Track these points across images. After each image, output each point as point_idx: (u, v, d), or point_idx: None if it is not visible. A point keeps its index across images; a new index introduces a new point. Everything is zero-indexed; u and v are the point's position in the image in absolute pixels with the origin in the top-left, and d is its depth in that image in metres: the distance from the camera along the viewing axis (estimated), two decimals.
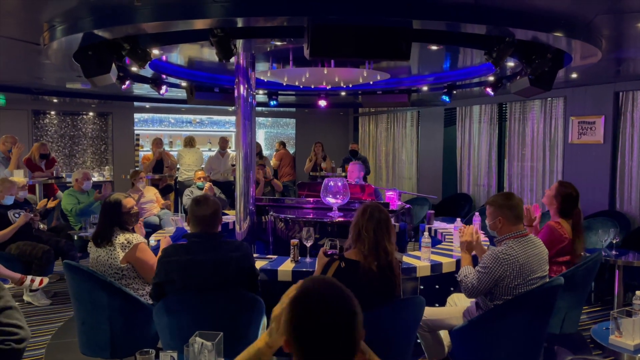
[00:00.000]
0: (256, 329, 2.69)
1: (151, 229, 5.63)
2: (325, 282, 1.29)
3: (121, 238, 3.23)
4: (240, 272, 2.73)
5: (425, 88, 6.59)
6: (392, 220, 4.78)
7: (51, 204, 5.93)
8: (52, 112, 9.65)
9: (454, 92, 6.43)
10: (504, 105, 8.03)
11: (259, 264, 3.54)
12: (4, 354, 1.45)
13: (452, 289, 4.07)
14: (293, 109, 11.33)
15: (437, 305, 3.69)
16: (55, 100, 8.94)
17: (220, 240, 2.79)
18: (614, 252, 4.47)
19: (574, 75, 5.70)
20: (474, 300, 3.08)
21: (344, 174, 8.57)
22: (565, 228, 3.67)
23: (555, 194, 3.76)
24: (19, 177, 5.95)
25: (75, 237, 5.38)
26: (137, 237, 3.28)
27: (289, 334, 1.24)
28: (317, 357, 1.20)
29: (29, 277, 4.65)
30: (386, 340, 2.52)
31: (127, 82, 4.76)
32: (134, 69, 4.92)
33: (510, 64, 4.78)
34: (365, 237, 2.60)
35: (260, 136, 11.63)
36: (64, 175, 7.36)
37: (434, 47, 4.43)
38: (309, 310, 1.22)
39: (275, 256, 3.87)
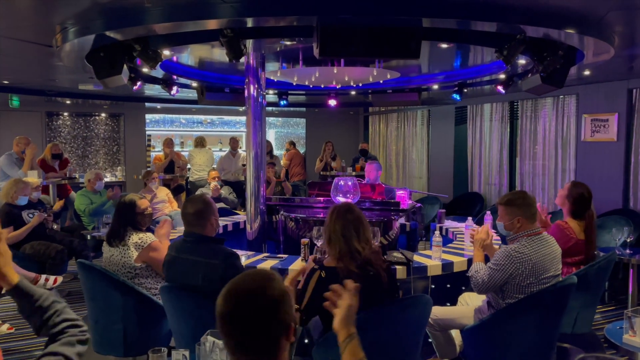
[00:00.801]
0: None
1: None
2: (241, 278, 1.47)
3: (134, 238, 3.27)
4: (209, 281, 2.64)
5: (435, 86, 6.56)
6: (403, 219, 4.80)
7: (60, 204, 6.01)
8: (65, 114, 9.76)
9: (465, 90, 6.39)
10: (515, 103, 7.97)
11: (270, 264, 3.55)
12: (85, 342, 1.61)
13: (463, 288, 4.05)
14: (303, 109, 11.34)
15: (448, 304, 3.68)
16: (68, 102, 9.03)
17: (205, 244, 2.77)
18: (628, 251, 4.42)
19: (587, 72, 5.64)
20: (485, 299, 3.06)
21: (354, 173, 8.57)
22: (573, 228, 3.63)
23: (568, 195, 3.72)
24: (33, 177, 6.02)
25: (88, 237, 5.44)
26: (149, 237, 3.32)
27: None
28: (236, 350, 1.34)
29: (43, 276, 4.71)
30: (391, 340, 2.50)
31: (139, 83, 4.80)
32: (145, 70, 4.96)
33: (522, 61, 4.74)
34: (335, 240, 2.52)
35: (271, 136, 11.66)
36: (77, 176, 7.44)
37: (444, 46, 4.41)
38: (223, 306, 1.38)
39: (286, 255, 3.88)
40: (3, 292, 1.61)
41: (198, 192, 6.54)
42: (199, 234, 2.80)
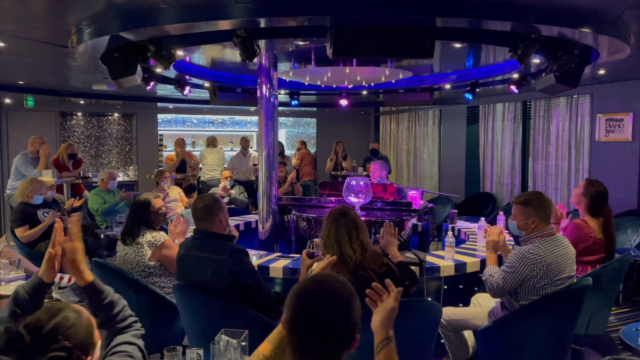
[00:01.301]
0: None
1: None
2: (314, 280, 1.43)
3: (148, 236, 3.30)
4: (218, 277, 2.66)
5: (447, 86, 6.54)
6: (415, 219, 4.78)
7: (77, 203, 6.06)
8: (79, 114, 9.85)
9: (477, 90, 6.36)
10: (528, 103, 7.90)
11: (282, 263, 3.56)
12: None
13: (476, 288, 4.03)
14: (314, 109, 11.35)
15: (461, 305, 3.66)
16: (81, 102, 9.11)
17: (212, 240, 2.79)
18: None
19: (601, 72, 5.59)
20: (499, 300, 3.04)
21: (365, 173, 8.55)
22: (592, 227, 3.59)
23: (584, 192, 3.68)
24: (47, 177, 6.09)
25: (102, 236, 5.49)
26: (163, 235, 3.34)
27: (286, 331, 1.36)
28: (308, 350, 1.33)
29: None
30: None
31: (152, 83, 4.83)
32: (159, 70, 5.00)
33: (536, 60, 4.71)
34: (329, 245, 2.52)
35: (282, 136, 11.68)
36: (90, 175, 7.50)
37: (457, 45, 4.39)
38: (298, 307, 1.35)
39: (298, 255, 3.89)
40: (61, 284, 1.76)
41: (210, 192, 6.58)
42: (207, 231, 2.82)
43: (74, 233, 1.79)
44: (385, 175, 6.22)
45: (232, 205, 6.21)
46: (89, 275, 1.76)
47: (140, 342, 1.71)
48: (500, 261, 3.04)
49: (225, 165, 8.92)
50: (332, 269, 2.42)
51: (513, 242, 4.24)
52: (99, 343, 1.50)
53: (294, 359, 1.34)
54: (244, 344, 2.08)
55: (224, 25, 3.38)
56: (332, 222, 2.55)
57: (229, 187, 6.57)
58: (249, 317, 2.62)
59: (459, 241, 4.47)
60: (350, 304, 1.36)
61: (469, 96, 6.36)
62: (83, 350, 1.41)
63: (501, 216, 4.45)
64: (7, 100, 8.34)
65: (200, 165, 9.00)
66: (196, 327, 2.77)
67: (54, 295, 5.05)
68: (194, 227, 2.89)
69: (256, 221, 5.19)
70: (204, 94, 7.04)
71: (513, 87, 5.55)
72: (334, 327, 1.33)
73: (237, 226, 5.08)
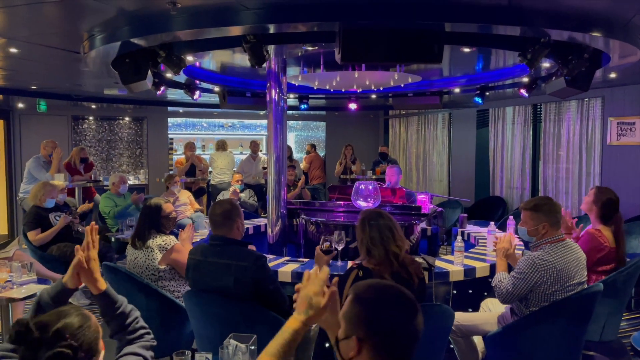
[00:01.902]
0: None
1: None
2: (389, 284, 1.44)
3: (158, 240, 3.32)
4: (241, 284, 2.67)
5: (457, 90, 6.52)
6: (424, 223, 4.77)
7: (88, 206, 6.12)
8: (91, 118, 9.95)
9: (487, 93, 6.33)
10: (538, 106, 7.86)
11: (291, 267, 3.57)
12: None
13: (485, 293, 4.01)
14: (323, 112, 11.36)
15: (470, 310, 3.65)
16: (93, 106, 9.21)
17: (233, 246, 2.80)
18: None
19: (613, 75, 5.55)
20: (508, 305, 3.03)
21: (374, 177, 8.55)
22: (606, 236, 3.55)
23: (595, 200, 3.65)
24: (59, 180, 6.15)
25: (112, 239, 5.53)
26: (172, 239, 3.37)
27: (362, 331, 1.33)
28: (396, 350, 1.32)
29: None
30: None
31: (162, 88, 4.87)
32: (169, 75, 5.04)
33: (546, 64, 4.68)
34: (374, 250, 2.56)
35: (291, 139, 11.70)
36: (101, 179, 7.58)
37: (466, 50, 4.38)
38: (385, 309, 1.35)
39: (307, 259, 3.90)
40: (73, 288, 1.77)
41: (220, 195, 6.61)
42: (226, 237, 2.82)
43: (90, 241, 1.81)
44: (400, 179, 6.21)
45: (242, 209, 6.23)
46: (103, 284, 1.79)
47: (149, 354, 1.71)
48: (509, 269, 3.02)
49: (235, 169, 8.95)
50: (375, 271, 2.49)
51: (523, 248, 4.21)
52: (102, 353, 1.51)
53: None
54: (252, 347, 2.09)
55: (234, 31, 3.41)
56: (372, 225, 2.60)
57: (239, 190, 6.60)
58: (269, 320, 2.65)
59: (468, 246, 4.45)
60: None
61: (478, 100, 6.34)
62: (87, 353, 1.43)
63: (511, 220, 4.42)
64: (20, 105, 8.45)
65: (210, 169, 9.05)
66: (212, 333, 2.75)
67: None
68: (206, 232, 2.92)
69: (265, 225, 5.21)
70: (214, 98, 7.09)
71: (523, 91, 5.52)
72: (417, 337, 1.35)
73: (246, 229, 5.10)
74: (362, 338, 1.32)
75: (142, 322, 1.79)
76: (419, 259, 3.40)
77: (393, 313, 1.33)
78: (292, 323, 1.51)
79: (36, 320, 1.41)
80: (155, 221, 3.40)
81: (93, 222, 1.86)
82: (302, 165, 9.96)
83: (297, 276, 3.48)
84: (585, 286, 2.82)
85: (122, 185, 6.07)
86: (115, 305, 1.77)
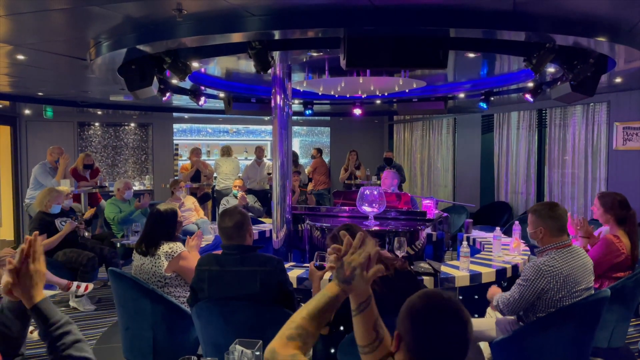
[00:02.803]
0: None
1: (189, 236, 5.75)
2: (441, 296, 1.41)
3: (165, 247, 3.32)
4: (267, 288, 2.69)
5: (462, 95, 6.52)
6: (429, 229, 4.76)
7: (90, 212, 6.16)
8: (97, 124, 10.00)
9: (492, 98, 6.33)
10: (543, 111, 7.84)
11: (296, 272, 3.57)
12: None
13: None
14: (328, 118, 11.37)
15: (476, 316, 3.63)
16: (99, 112, 9.26)
17: (251, 253, 2.80)
18: None
19: (618, 80, 5.53)
20: None
21: (378, 182, 8.54)
22: (624, 243, 3.53)
23: (605, 209, 3.65)
24: (65, 186, 6.18)
25: (118, 245, 5.55)
26: (179, 246, 3.36)
27: (409, 337, 1.35)
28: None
29: (75, 283, 4.82)
30: None
31: (168, 94, 4.90)
32: (175, 81, 5.07)
33: (551, 69, 4.68)
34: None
35: (296, 144, 11.70)
36: (107, 185, 7.60)
37: (471, 55, 4.38)
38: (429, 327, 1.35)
39: None
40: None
41: (223, 200, 6.61)
42: (242, 245, 2.81)
43: (28, 253, 1.59)
44: (397, 184, 6.20)
45: (250, 214, 6.25)
46: (37, 298, 1.57)
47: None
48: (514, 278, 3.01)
49: (240, 175, 8.97)
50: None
51: (529, 252, 4.20)
52: None
53: None
54: (257, 353, 2.09)
55: (239, 37, 3.43)
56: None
57: (245, 196, 6.60)
58: (286, 318, 2.64)
59: (474, 251, 4.43)
60: (470, 324, 1.39)
61: (483, 105, 6.33)
62: None
63: (517, 226, 4.41)
64: (27, 111, 8.51)
65: (215, 175, 9.06)
66: (225, 340, 2.69)
67: (71, 304, 5.12)
68: (211, 237, 2.90)
69: (270, 230, 5.21)
70: (219, 104, 7.11)
71: (528, 96, 5.51)
72: (464, 346, 1.37)
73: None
74: (401, 335, 1.35)
75: (71, 351, 1.53)
76: (424, 265, 3.40)
77: (435, 325, 1.35)
78: (333, 289, 1.48)
79: None
80: (171, 227, 3.40)
81: (36, 232, 1.69)
82: (307, 169, 9.97)
83: (302, 281, 3.48)
84: (593, 292, 2.80)
85: (127, 191, 6.09)
86: (48, 322, 1.54)
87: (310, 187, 6.76)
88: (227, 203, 6.37)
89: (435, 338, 1.33)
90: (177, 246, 3.35)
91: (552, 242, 2.80)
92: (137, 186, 10.00)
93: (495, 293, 3.10)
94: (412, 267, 2.78)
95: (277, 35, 3.40)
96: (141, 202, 6.02)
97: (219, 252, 2.88)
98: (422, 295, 1.40)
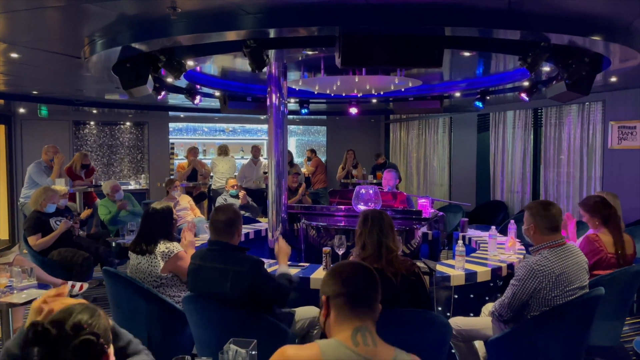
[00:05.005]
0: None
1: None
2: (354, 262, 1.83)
3: (162, 247, 3.30)
4: (237, 289, 2.66)
5: (457, 94, 6.52)
6: (425, 228, 4.76)
7: (87, 212, 6.14)
8: (92, 123, 9.97)
9: (488, 97, 6.33)
10: (539, 110, 7.86)
11: (292, 272, 3.56)
12: None
13: (487, 298, 4.00)
14: (324, 117, 11.36)
15: (471, 315, 3.63)
16: (94, 111, 9.22)
17: (231, 252, 2.80)
18: None
19: (613, 79, 5.54)
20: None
21: (375, 181, 8.55)
22: (604, 240, 3.57)
23: (590, 214, 3.72)
24: (60, 185, 6.16)
25: (113, 244, 5.53)
26: (176, 246, 3.35)
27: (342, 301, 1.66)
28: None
29: (70, 283, 4.79)
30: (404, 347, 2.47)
31: (163, 93, 4.88)
32: (170, 79, 5.05)
33: (546, 68, 4.68)
34: (369, 244, 2.64)
35: (292, 144, 11.70)
36: (102, 184, 7.58)
37: (467, 54, 4.38)
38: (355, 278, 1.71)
39: (308, 264, 3.89)
40: (72, 292, 1.71)
41: (219, 199, 6.59)
42: (225, 242, 2.82)
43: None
44: (396, 183, 6.20)
45: (247, 213, 6.24)
46: None
47: None
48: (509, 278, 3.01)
49: (236, 174, 8.96)
50: (367, 261, 2.53)
51: (524, 251, 4.21)
52: (112, 347, 1.56)
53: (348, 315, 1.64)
54: (253, 353, 2.08)
55: (234, 35, 3.42)
56: (373, 219, 2.69)
57: (242, 194, 6.58)
58: (267, 325, 2.66)
59: (469, 250, 4.44)
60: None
61: (479, 104, 6.34)
62: (105, 340, 1.51)
63: (512, 225, 4.41)
64: (22, 110, 8.47)
65: (212, 174, 9.05)
66: (210, 337, 2.76)
67: None
68: (207, 237, 2.90)
69: (266, 229, 5.20)
70: (215, 103, 7.10)
71: (524, 95, 5.52)
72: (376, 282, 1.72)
73: (246, 234, 5.09)
74: (328, 295, 1.68)
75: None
76: (420, 264, 3.40)
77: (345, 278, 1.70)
78: None
79: (50, 319, 1.47)
80: (169, 225, 3.39)
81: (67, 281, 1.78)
82: (308, 169, 9.98)
83: (300, 281, 3.47)
84: (587, 290, 2.80)
85: (117, 193, 6.10)
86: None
87: (302, 189, 6.73)
88: (223, 202, 6.36)
89: (353, 278, 1.69)
90: (174, 246, 3.34)
91: (544, 241, 2.81)
92: (132, 185, 9.98)
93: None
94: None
95: (272, 33, 3.39)
96: (122, 202, 6.03)
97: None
98: (337, 263, 1.81)
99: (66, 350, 1.42)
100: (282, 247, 3.30)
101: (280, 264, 3.21)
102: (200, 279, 2.80)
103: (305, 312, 3.18)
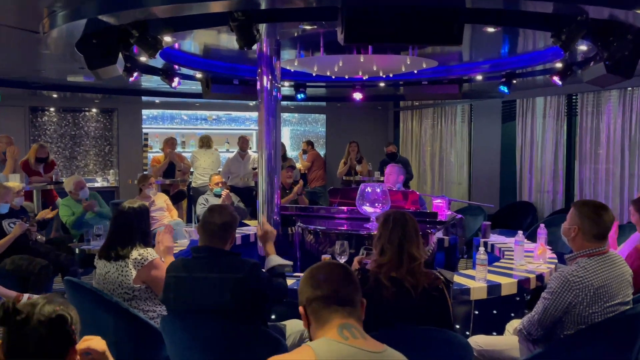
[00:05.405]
0: None
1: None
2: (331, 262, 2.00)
3: (134, 253, 3.28)
4: (239, 299, 2.68)
5: (479, 77, 6.52)
6: (440, 233, 4.77)
7: (50, 214, 6.11)
8: (52, 109, 9.95)
9: (514, 81, 6.34)
10: (574, 97, 7.86)
11: (284, 262, 3.56)
12: None
13: (512, 314, 4.00)
14: (323, 103, 11.37)
15: (494, 333, 3.64)
16: (55, 96, 9.20)
17: (224, 258, 2.80)
18: None
19: None
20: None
21: (382, 179, 8.54)
22: None
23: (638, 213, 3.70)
24: (15, 182, 6.14)
25: (77, 251, 5.51)
26: (151, 253, 3.33)
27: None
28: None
29: (26, 295, 4.78)
30: None
31: (135, 74, 4.87)
32: (143, 59, 5.04)
33: (583, 47, 4.68)
34: (388, 249, 2.65)
35: (285, 134, 11.71)
36: (64, 180, 7.56)
37: (491, 30, 4.38)
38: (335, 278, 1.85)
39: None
40: None
41: (201, 200, 6.58)
42: (217, 249, 2.80)
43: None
44: (403, 181, 6.19)
45: None
46: None
47: None
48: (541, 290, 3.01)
49: (220, 169, 8.95)
50: (373, 272, 2.61)
51: (556, 261, 4.21)
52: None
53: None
54: None
55: (219, 6, 3.40)
56: (395, 221, 2.71)
57: (226, 193, 6.57)
58: (270, 341, 2.68)
59: (492, 258, 4.44)
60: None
61: (504, 89, 6.34)
62: (76, 329, 1.63)
63: (542, 229, 4.42)
64: None
65: (192, 169, 9.04)
66: (200, 358, 2.74)
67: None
68: (186, 242, 2.89)
69: (255, 234, 5.20)
70: (196, 87, 7.08)
71: (556, 79, 5.52)
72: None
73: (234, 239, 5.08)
74: (305, 304, 1.81)
75: None
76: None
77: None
78: None
79: (21, 304, 1.59)
80: (146, 227, 3.38)
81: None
82: (303, 164, 9.96)
83: (293, 294, 3.46)
84: (631, 305, 2.80)
85: (81, 190, 6.06)
86: None
87: (298, 187, 6.70)
88: (205, 202, 6.34)
89: (323, 280, 1.82)
90: (149, 252, 3.32)
91: (585, 248, 2.79)
92: (99, 182, 9.97)
93: None
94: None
95: (263, 4, 3.38)
96: (89, 201, 6.00)
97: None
98: (308, 269, 1.91)
99: (37, 326, 1.53)
100: (269, 230, 3.29)
101: (269, 254, 3.21)
102: (186, 293, 2.76)
103: (296, 325, 3.21)
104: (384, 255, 2.65)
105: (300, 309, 1.82)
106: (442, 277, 2.73)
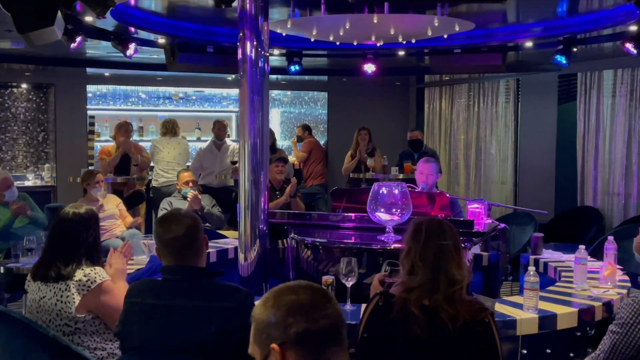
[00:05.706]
0: None
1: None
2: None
3: (79, 274, 3.28)
4: (226, 336, 2.65)
5: (529, 44, 6.53)
6: (478, 247, 4.77)
7: None
8: None
9: (574, 49, 6.35)
10: None
11: None
12: None
13: (571, 354, 4.01)
14: (325, 78, 11.36)
15: None
16: None
17: (206, 280, 2.80)
18: None
19: None
20: None
21: (401, 176, 8.54)
22: None
23: None
24: None
25: (1, 270, 5.52)
26: (100, 273, 3.32)
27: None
28: None
29: None
30: None
31: (79, 39, 4.88)
32: (89, 19, 5.04)
33: None
34: (419, 269, 2.64)
35: (275, 118, 11.71)
36: None
37: None
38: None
39: None
40: None
41: (164, 203, 6.59)
42: (192, 267, 2.81)
43: None
44: (434, 181, 6.19)
45: (206, 225, 6.24)
46: None
47: None
48: None
49: (189, 164, 8.95)
50: (399, 299, 2.60)
51: (629, 284, 4.22)
52: None
53: None
54: None
55: None
56: (428, 234, 2.71)
57: (200, 196, 6.58)
58: None
59: (545, 282, 4.45)
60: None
61: (561, 59, 6.36)
62: None
63: (610, 243, 4.42)
64: None
65: (152, 164, 9.04)
66: None
67: None
68: (144, 258, 2.87)
69: (235, 248, 5.20)
70: (158, 55, 7.09)
71: (630, 46, 5.53)
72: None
73: (207, 255, 5.09)
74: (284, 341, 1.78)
75: None
76: None
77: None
78: None
79: None
80: (94, 238, 3.39)
81: None
82: (297, 156, 9.94)
83: None
84: None
85: (7, 190, 6.06)
86: None
87: (290, 188, 6.68)
88: (169, 206, 6.36)
89: (318, 318, 1.77)
90: (97, 273, 3.32)
91: None
92: (31, 180, 9.98)
93: None
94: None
95: None
96: (18, 204, 6.00)
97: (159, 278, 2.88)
98: (272, 290, 1.92)
99: None
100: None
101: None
102: (153, 327, 2.74)
103: None
104: (414, 276, 2.64)
105: (275, 347, 1.81)
106: (489, 309, 2.73)
